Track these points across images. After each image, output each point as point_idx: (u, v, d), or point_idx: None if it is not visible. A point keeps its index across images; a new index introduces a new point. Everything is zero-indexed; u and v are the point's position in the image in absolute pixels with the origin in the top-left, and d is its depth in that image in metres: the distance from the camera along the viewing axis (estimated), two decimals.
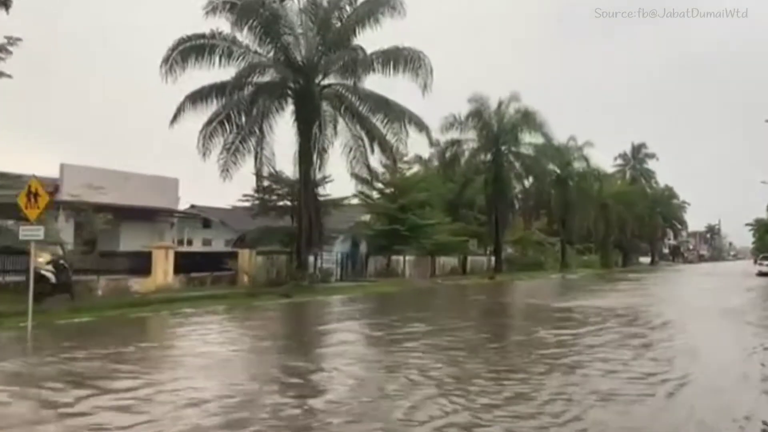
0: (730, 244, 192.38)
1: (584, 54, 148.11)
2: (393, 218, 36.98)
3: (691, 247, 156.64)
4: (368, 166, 25.93)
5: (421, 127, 25.66)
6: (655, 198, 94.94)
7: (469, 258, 48.18)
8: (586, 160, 56.15)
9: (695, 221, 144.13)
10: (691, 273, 61.66)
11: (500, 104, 43.35)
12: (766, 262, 51.95)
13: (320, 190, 29.40)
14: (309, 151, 24.43)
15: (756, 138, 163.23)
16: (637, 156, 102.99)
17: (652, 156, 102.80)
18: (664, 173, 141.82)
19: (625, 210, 71.31)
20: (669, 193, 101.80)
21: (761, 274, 48.44)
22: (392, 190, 37.52)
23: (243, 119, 25.46)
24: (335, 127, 24.94)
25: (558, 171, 56.12)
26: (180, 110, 23.59)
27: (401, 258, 39.64)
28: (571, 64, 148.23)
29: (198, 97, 23.85)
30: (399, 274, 38.59)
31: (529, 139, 43.99)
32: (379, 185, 37.18)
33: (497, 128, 43.55)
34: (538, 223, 59.89)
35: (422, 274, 40.58)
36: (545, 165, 45.44)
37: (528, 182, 45.35)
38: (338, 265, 35.03)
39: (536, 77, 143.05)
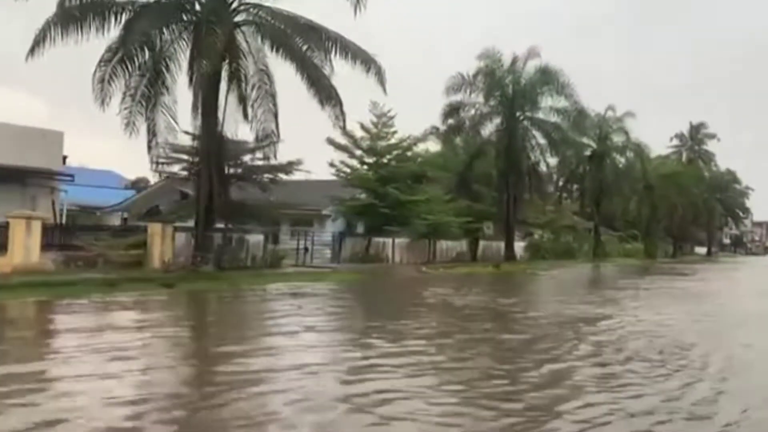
0: None
1: (642, 33, 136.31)
2: (376, 193, 30.91)
3: (756, 237, 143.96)
4: (275, 115, 19.70)
5: (368, 64, 19.36)
6: (713, 182, 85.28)
7: (482, 243, 41.66)
8: (626, 133, 48.28)
9: (762, 210, 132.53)
10: (751, 266, 52.86)
11: (515, 61, 36.35)
12: None
13: (265, 153, 23.72)
14: (211, 96, 18.55)
15: None
16: (695, 136, 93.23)
17: (712, 136, 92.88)
18: (728, 158, 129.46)
19: (676, 194, 62.94)
20: (730, 178, 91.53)
21: None
22: (374, 159, 31.33)
23: (147, 56, 19.79)
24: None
25: (593, 145, 48.64)
26: (42, 38, 17.99)
27: (389, 241, 33.54)
28: (628, 42, 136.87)
29: (70, 21, 18.16)
30: (384, 259, 32.53)
31: (551, 103, 36.89)
32: (359, 152, 31.08)
33: (512, 89, 36.62)
34: (572, 205, 52.64)
35: (417, 260, 34.41)
36: (570, 134, 38.18)
37: (549, 154, 38.04)
38: (305, 248, 29.31)
39: (592, 54, 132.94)
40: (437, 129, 41.33)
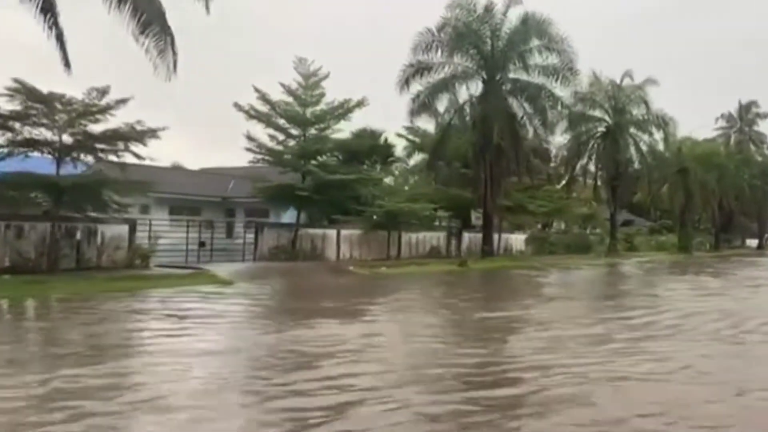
0: None
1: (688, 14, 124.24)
2: (305, 173, 24.58)
3: None
4: None
5: None
6: (765, 167, 75.52)
7: (468, 235, 34.89)
8: (646, 104, 40.20)
9: None
10: None
11: (489, 8, 29.15)
12: None
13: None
14: None
15: None
16: (745, 117, 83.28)
17: (765, 116, 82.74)
18: None
19: (717, 178, 54.34)
20: None
21: None
22: (301, 129, 24.88)
23: None
24: None
25: (607, 119, 40.98)
26: None
27: (332, 233, 27.22)
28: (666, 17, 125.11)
29: None
30: (319, 256, 26.18)
31: (539, 60, 29.68)
32: (282, 122, 24.72)
33: (490, 44, 29.61)
34: (587, 191, 45.12)
35: (374, 255, 28.04)
36: (565, 99, 30.79)
37: (541, 126, 30.53)
38: (201, 242, 23.34)
39: (632, 31, 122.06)
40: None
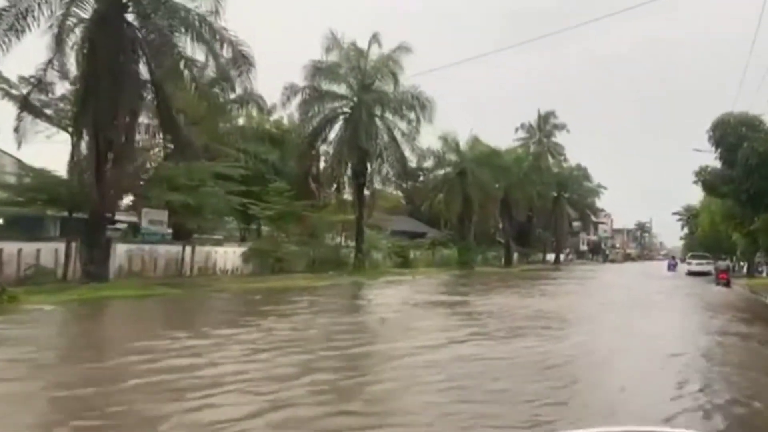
0: (661, 243, 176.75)
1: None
2: None
3: (617, 244, 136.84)
4: None
5: None
6: (561, 178, 72.29)
7: (129, 248, 23.20)
8: (394, 76, 30.88)
9: (624, 219, 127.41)
10: (595, 276, 36.84)
11: None
12: (696, 261, 48.41)
13: None
14: None
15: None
16: (543, 127, 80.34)
17: (562, 127, 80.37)
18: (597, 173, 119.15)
19: (507, 186, 47.82)
20: (580, 174, 79.05)
21: (691, 273, 44.96)
22: None
23: None
24: None
25: (352, 96, 31.40)
26: None
27: None
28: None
29: None
30: None
31: None
32: None
33: None
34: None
35: None
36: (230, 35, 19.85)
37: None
38: None
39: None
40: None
